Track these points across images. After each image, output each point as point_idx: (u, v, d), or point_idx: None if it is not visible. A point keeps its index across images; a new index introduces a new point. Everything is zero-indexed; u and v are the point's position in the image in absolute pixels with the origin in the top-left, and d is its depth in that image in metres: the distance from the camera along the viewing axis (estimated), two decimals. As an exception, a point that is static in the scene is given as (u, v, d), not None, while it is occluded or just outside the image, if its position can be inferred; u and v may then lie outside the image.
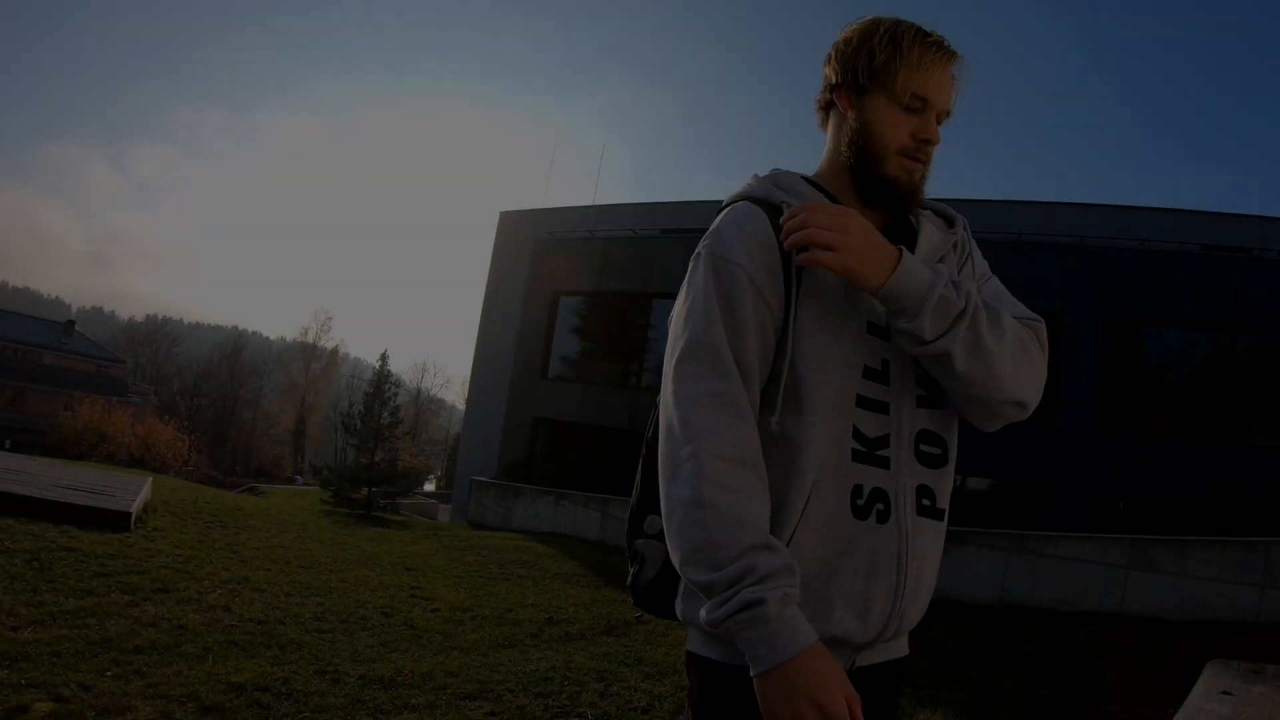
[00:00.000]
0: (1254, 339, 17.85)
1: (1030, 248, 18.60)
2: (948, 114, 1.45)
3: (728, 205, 1.50)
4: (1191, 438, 17.53)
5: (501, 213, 27.24)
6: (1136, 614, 10.37)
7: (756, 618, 1.18)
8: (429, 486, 57.47)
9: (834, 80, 1.46)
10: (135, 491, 10.01)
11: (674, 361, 1.37)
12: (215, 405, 67.92)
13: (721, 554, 1.22)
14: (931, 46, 1.38)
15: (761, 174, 1.55)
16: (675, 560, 1.29)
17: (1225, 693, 4.38)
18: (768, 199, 1.45)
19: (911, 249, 1.45)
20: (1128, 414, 18.11)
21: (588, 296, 23.44)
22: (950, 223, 1.59)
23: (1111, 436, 17.66)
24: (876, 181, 1.44)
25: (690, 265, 1.43)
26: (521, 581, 9.96)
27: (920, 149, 1.42)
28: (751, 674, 1.21)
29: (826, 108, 1.51)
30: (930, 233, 1.52)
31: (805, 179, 1.51)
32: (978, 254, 1.62)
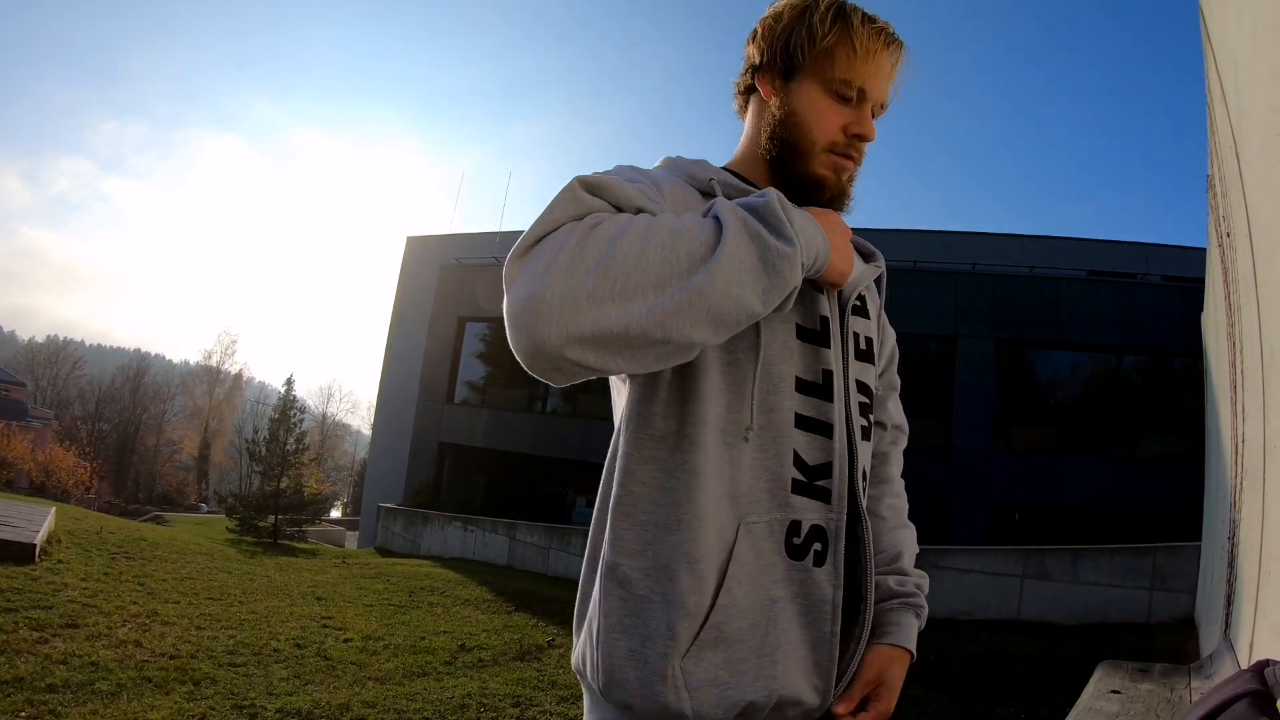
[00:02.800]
0: (1139, 358, 18.83)
1: (925, 275, 19.23)
2: (883, 108, 1.26)
3: None
4: (1081, 452, 18.34)
5: (408, 237, 26.97)
6: (1032, 620, 10.59)
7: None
8: (335, 513, 56.39)
9: (758, 60, 1.26)
10: (39, 522, 9.81)
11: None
12: (118, 430, 65.31)
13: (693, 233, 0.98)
14: (880, 34, 1.20)
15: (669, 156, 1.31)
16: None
17: (1114, 691, 4.43)
18: (691, 174, 1.23)
19: None
20: (1020, 432, 18.79)
21: (493, 322, 23.30)
22: (868, 256, 1.39)
23: (1004, 454, 18.33)
24: (801, 179, 1.23)
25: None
26: (432, 609, 10.01)
27: (852, 145, 1.23)
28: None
29: (746, 92, 1.31)
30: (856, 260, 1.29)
31: (725, 170, 1.29)
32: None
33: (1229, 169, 3.42)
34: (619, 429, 1.18)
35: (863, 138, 1.22)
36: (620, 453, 1.15)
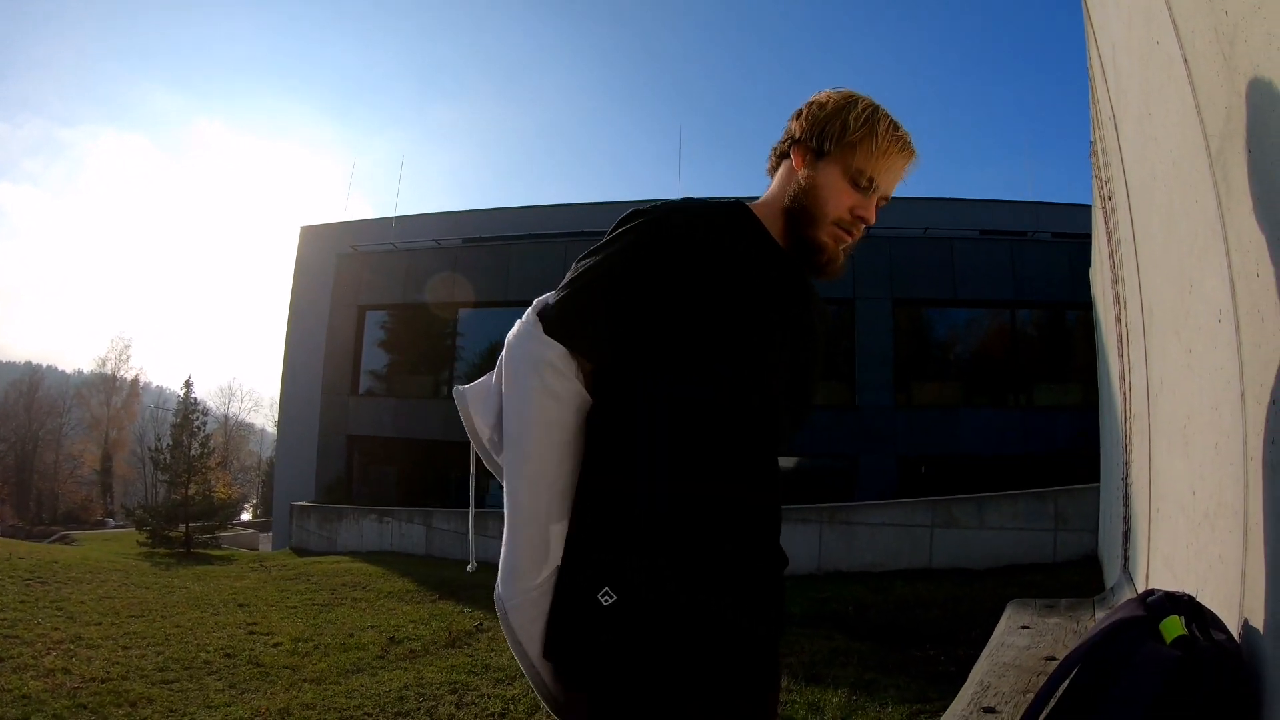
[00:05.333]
0: (1032, 312, 19.60)
1: (819, 237, 19.58)
2: (886, 199, 1.49)
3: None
4: (980, 404, 19.08)
5: (302, 227, 25.94)
6: (944, 567, 11.08)
7: None
8: (246, 516, 54.54)
9: (797, 136, 1.49)
10: (-53, 553, 9.48)
11: None
12: (14, 450, 61.61)
13: None
14: (899, 141, 1.44)
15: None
16: None
17: (1024, 627, 4.67)
18: (719, 245, 1.45)
19: (807, 302, 1.54)
20: (920, 387, 19.45)
21: (394, 309, 22.88)
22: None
23: (906, 409, 18.92)
24: (808, 242, 1.47)
25: None
26: (357, 604, 9.95)
27: (854, 224, 1.46)
28: None
29: (781, 156, 1.54)
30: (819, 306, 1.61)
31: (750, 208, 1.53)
32: None
33: (1109, 138, 3.65)
34: None
35: (864, 220, 1.47)
36: None
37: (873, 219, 1.48)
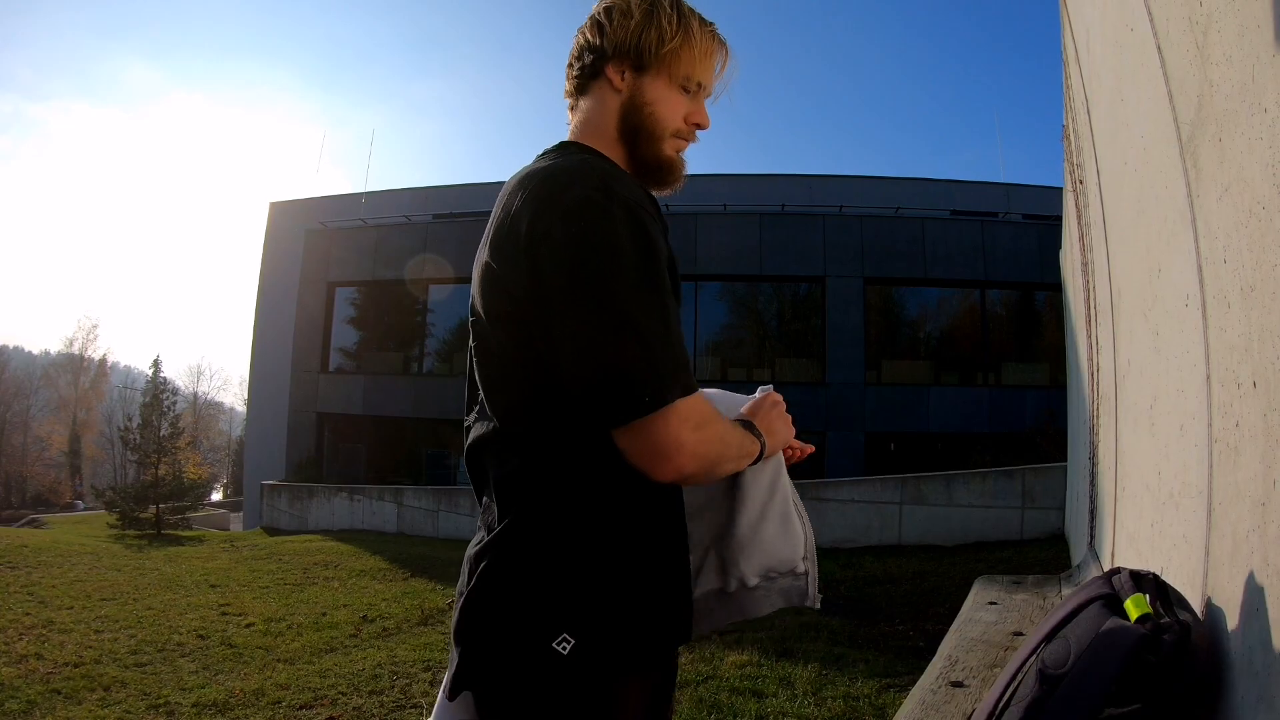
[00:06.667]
0: (1002, 292, 19.82)
1: (794, 219, 19.70)
2: (709, 95, 1.44)
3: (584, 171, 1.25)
4: (949, 382, 19.31)
5: (271, 203, 25.65)
6: (913, 544, 11.22)
7: None
8: (216, 496, 54.15)
9: (606, 50, 1.37)
10: (-84, 539, 9.35)
11: None
12: None
13: None
14: (712, 35, 1.39)
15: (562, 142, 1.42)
16: None
17: (991, 603, 4.71)
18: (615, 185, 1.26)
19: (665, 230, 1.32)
20: (890, 365, 19.64)
21: (363, 286, 22.75)
22: None
23: (876, 386, 19.09)
24: (652, 161, 1.39)
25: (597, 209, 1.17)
26: (329, 583, 9.95)
27: (691, 132, 1.41)
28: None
29: (589, 75, 1.40)
30: None
31: (581, 144, 1.39)
32: None
33: (1081, 123, 3.69)
34: None
35: (700, 126, 1.42)
36: None
37: (708, 123, 1.42)
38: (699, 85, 1.39)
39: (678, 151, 1.41)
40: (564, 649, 1.15)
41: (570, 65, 1.43)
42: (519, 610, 1.18)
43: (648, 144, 1.38)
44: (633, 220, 1.17)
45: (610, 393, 1.12)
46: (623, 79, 1.37)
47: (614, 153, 1.38)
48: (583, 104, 1.41)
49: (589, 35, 1.39)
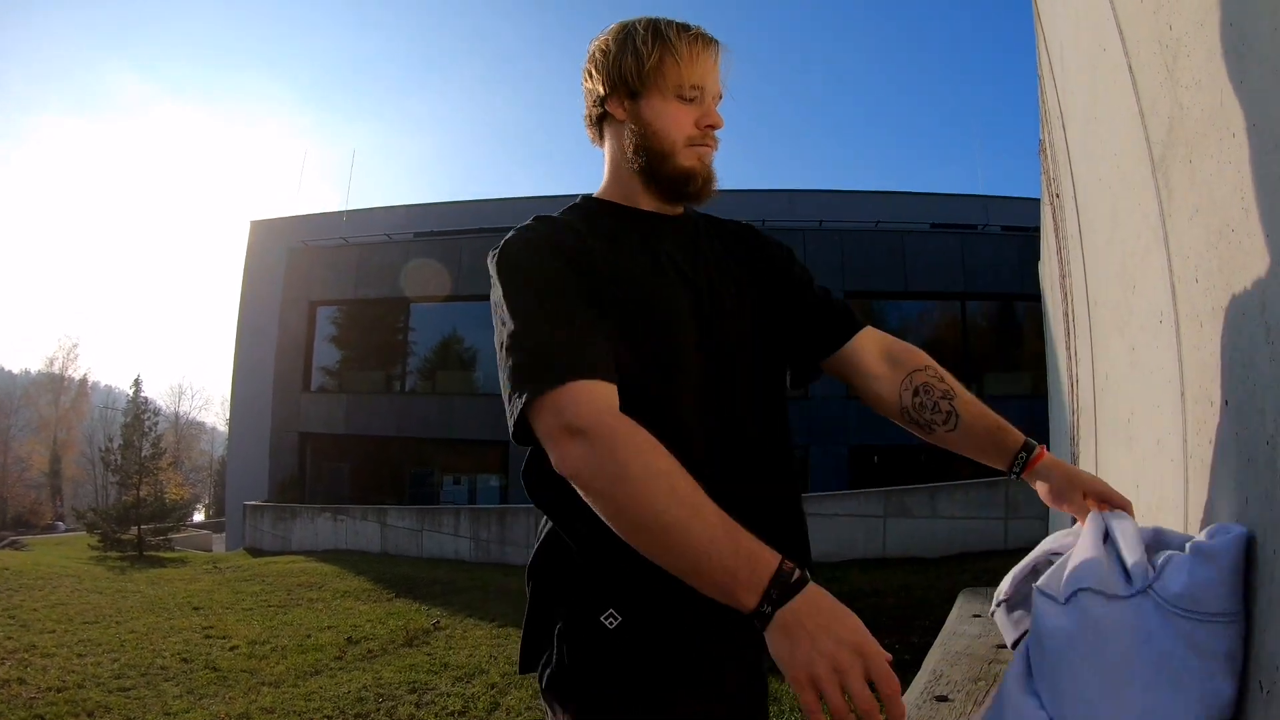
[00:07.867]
0: (982, 304, 19.93)
1: (773, 233, 19.70)
2: (719, 97, 1.44)
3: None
4: (930, 394, 19.34)
5: (252, 222, 25.57)
6: (898, 556, 11.29)
7: None
8: (199, 517, 53.71)
9: (603, 91, 1.42)
10: (-104, 562, 9.28)
11: None
12: None
13: None
14: (695, 38, 1.39)
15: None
16: None
17: (976, 616, 4.73)
18: (559, 244, 1.36)
19: (695, 248, 1.47)
20: (876, 378, 19.63)
21: (345, 304, 22.69)
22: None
23: (859, 400, 19.07)
24: (672, 176, 1.41)
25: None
26: (313, 605, 9.93)
27: (706, 134, 1.41)
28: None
29: (600, 121, 1.47)
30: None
31: (599, 199, 1.48)
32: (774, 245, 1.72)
33: (1057, 137, 3.73)
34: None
35: (713, 126, 1.42)
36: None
37: (720, 121, 1.43)
38: (696, 89, 1.39)
39: (701, 159, 1.42)
40: (610, 624, 1.24)
41: (585, 118, 1.50)
42: (568, 595, 1.29)
43: (661, 161, 1.40)
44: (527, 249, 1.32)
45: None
46: (624, 110, 1.41)
47: (634, 184, 1.44)
48: (606, 148, 1.48)
49: (587, 84, 1.46)
